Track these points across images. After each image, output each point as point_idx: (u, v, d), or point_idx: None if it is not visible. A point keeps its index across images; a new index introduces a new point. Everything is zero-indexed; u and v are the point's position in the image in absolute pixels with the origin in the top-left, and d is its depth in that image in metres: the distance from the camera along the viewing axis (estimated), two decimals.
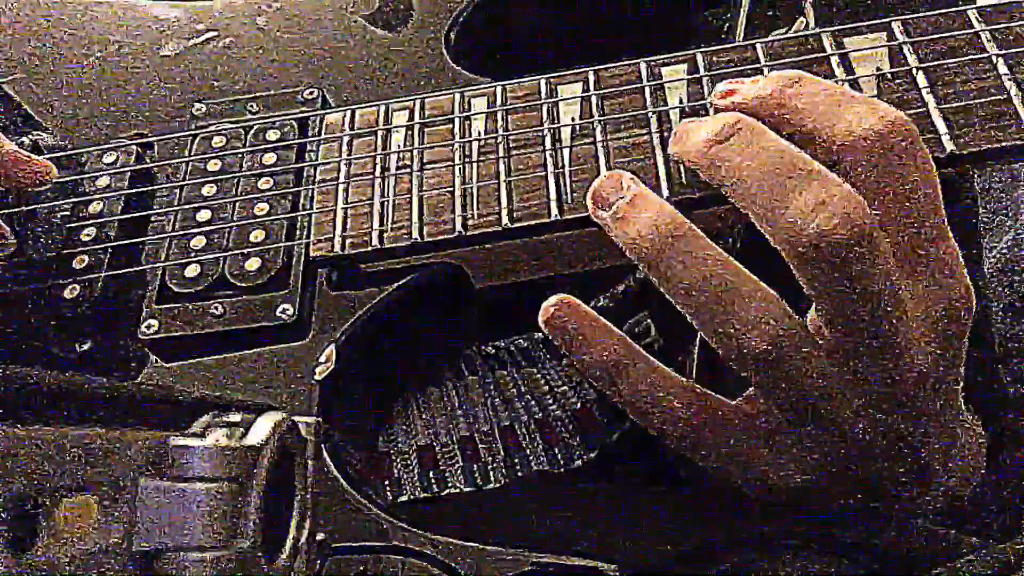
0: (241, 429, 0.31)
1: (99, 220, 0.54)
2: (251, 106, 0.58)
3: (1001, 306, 0.61)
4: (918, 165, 0.42)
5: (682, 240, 0.42)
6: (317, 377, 0.48)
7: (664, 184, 0.47)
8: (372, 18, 0.60)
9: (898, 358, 0.42)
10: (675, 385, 0.44)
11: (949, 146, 0.45)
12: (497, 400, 0.59)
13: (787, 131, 0.43)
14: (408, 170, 0.52)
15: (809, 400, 0.42)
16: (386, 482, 0.56)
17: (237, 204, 0.53)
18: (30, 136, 0.58)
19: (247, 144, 0.56)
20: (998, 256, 0.61)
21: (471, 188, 0.50)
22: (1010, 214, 0.62)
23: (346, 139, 0.54)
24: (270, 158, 0.55)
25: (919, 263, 0.42)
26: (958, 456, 0.49)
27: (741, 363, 0.42)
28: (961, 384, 0.46)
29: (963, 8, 0.48)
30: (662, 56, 0.51)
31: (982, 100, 0.46)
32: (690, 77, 0.50)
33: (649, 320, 0.62)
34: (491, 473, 0.57)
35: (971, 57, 0.47)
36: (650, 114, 0.49)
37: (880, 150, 0.41)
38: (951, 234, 0.43)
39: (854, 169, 0.42)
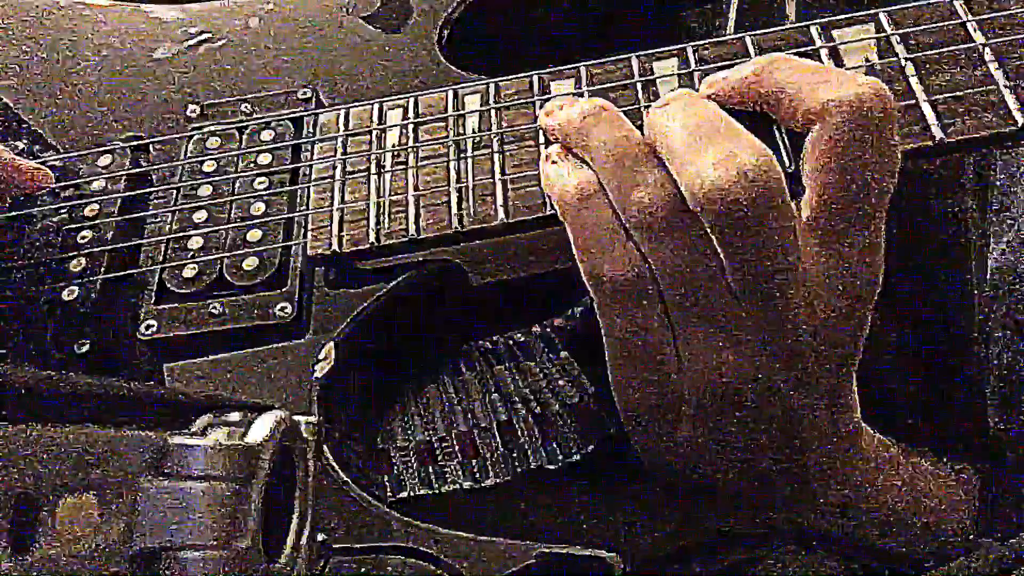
0: (241, 428, 0.31)
1: (96, 222, 0.54)
2: (245, 107, 0.58)
3: (999, 316, 0.60)
4: (884, 141, 0.42)
5: (603, 115, 0.46)
6: (316, 375, 0.48)
7: None
8: (371, 20, 0.60)
9: (788, 309, 0.43)
10: (619, 234, 0.45)
11: (938, 134, 0.46)
12: (495, 395, 0.59)
13: (768, 108, 0.44)
14: (403, 168, 0.52)
15: (696, 282, 0.44)
16: (385, 479, 0.56)
17: (233, 204, 0.53)
18: (24, 141, 0.58)
19: (242, 145, 0.56)
20: (996, 261, 0.60)
21: (466, 184, 0.50)
22: (1010, 215, 0.62)
23: (341, 138, 0.54)
24: (265, 158, 0.55)
25: (840, 241, 0.43)
26: (854, 470, 0.49)
27: (638, 224, 0.44)
28: (853, 374, 0.47)
29: None
30: (653, 51, 0.51)
31: (969, 89, 0.46)
32: (681, 72, 0.50)
33: None
34: (490, 469, 0.57)
35: (958, 47, 0.47)
36: (642, 108, 0.50)
37: (855, 116, 0.42)
38: (883, 226, 0.44)
39: (820, 136, 0.42)
